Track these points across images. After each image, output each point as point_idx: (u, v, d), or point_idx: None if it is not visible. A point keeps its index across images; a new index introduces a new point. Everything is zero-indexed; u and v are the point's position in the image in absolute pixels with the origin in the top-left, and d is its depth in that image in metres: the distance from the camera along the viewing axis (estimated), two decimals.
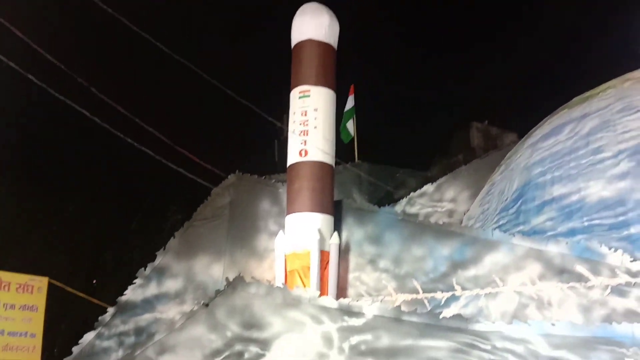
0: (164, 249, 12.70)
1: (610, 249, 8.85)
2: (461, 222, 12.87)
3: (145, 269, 12.54)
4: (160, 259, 12.62)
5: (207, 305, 8.70)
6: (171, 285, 12.33)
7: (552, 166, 11.04)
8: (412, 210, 13.87)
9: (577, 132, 11.24)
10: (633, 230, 9.30)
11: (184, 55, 11.37)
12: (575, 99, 12.61)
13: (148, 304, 12.25)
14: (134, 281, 12.48)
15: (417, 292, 9.78)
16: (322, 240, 10.48)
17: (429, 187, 14.25)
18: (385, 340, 8.45)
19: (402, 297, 10.07)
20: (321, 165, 10.90)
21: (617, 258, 8.69)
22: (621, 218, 9.53)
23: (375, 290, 10.50)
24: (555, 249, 9.10)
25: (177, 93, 22.92)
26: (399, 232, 10.60)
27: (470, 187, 14.09)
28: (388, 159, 18.30)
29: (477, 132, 24.56)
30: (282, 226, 11.31)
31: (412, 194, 14.20)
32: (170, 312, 11.87)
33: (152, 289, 12.37)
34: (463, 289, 9.41)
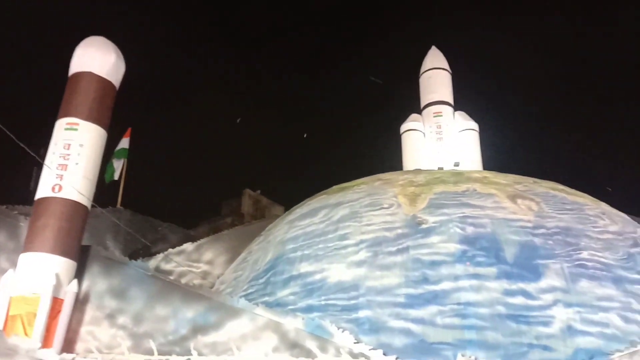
0: None
1: (339, 329, 9.58)
2: (213, 285, 12.91)
3: None
4: None
5: None
6: None
7: (303, 244, 11.81)
8: (167, 267, 13.54)
9: (330, 217, 12.27)
10: (361, 314, 10.27)
11: None
12: (334, 187, 13.84)
13: None
14: None
15: (152, 354, 9.40)
16: (57, 286, 9.59)
17: (188, 246, 14.12)
18: None
19: (135, 358, 9.59)
20: (74, 204, 10.12)
21: (343, 338, 9.43)
22: (353, 301, 10.47)
23: (107, 347, 9.83)
24: (292, 323, 9.55)
25: None
26: (146, 289, 10.20)
27: (230, 251, 14.31)
28: (153, 210, 17.81)
29: (249, 199, 25.37)
30: (15, 264, 10.12)
31: (170, 250, 13.90)
32: None
33: None
34: (199, 354, 9.30)
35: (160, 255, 13.72)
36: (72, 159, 10.44)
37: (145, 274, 10.15)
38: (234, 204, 24.64)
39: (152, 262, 13.31)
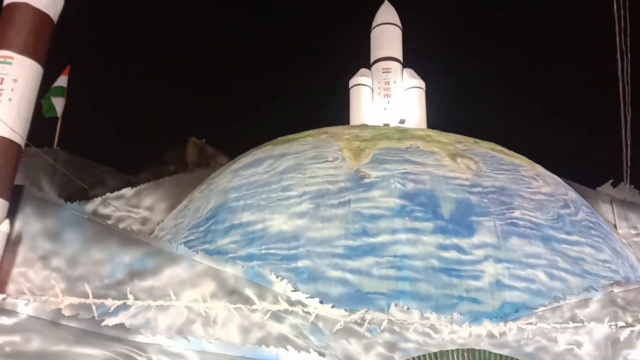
0: None
1: (278, 277, 9.71)
2: (152, 232, 12.76)
3: None
4: None
5: None
6: None
7: (246, 194, 11.79)
8: (105, 211, 13.24)
9: (274, 168, 12.26)
10: (300, 263, 10.43)
11: None
12: (279, 139, 13.79)
13: None
14: None
15: (87, 297, 9.26)
16: None
17: (127, 191, 13.82)
18: (35, 343, 7.79)
19: (69, 300, 9.43)
20: (6, 142, 9.63)
21: (282, 287, 9.57)
22: (293, 251, 10.61)
23: (40, 289, 9.60)
24: (231, 271, 9.60)
25: None
26: (81, 232, 9.94)
27: (171, 199, 14.12)
28: (92, 153, 17.25)
29: (193, 147, 24.90)
30: None
31: (108, 194, 13.57)
32: None
33: None
34: (136, 298, 9.24)
35: (98, 199, 13.38)
36: (5, 94, 9.89)
37: (81, 216, 9.87)
38: (178, 152, 24.15)
39: (89, 206, 13.00)
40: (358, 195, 11.28)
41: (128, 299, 9.23)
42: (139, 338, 8.07)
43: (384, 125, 15.72)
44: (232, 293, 9.46)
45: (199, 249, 10.27)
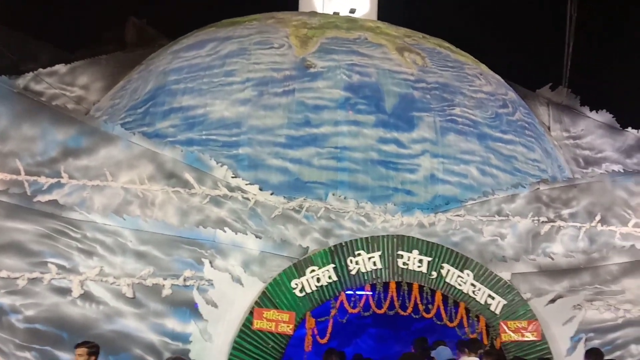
0: None
1: (218, 163, 9.69)
2: (88, 112, 12.30)
3: None
4: None
5: None
6: None
7: (187, 77, 11.39)
8: (37, 87, 12.53)
9: (217, 51, 11.81)
10: (241, 150, 10.39)
11: None
12: (224, 21, 13.18)
13: None
14: None
15: (19, 173, 9.01)
16: None
17: (61, 67, 13.07)
18: None
19: None
20: None
21: (221, 172, 9.59)
22: (234, 138, 10.52)
23: None
24: (170, 154, 9.48)
25: None
26: (11, 106, 9.44)
27: (107, 78, 13.50)
28: (24, 26, 16.06)
29: (133, 28, 23.58)
30: None
31: (40, 69, 12.82)
32: None
33: None
34: (70, 177, 9.06)
35: (30, 74, 12.64)
36: None
37: (10, 90, 9.36)
38: (117, 32, 22.84)
39: (20, 81, 12.27)
40: (303, 85, 11.12)
41: (62, 177, 9.05)
42: (74, 215, 8.01)
43: (334, 13, 15.23)
44: (171, 176, 9.41)
45: (136, 131, 10.03)
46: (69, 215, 7.98)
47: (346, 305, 8.53)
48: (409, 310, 8.61)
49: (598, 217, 10.37)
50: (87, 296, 8.02)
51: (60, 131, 9.20)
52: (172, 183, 9.40)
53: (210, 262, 8.27)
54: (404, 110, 11.07)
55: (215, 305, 8.13)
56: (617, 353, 8.46)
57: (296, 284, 8.31)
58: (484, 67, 13.28)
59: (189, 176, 9.46)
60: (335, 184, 10.16)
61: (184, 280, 8.19)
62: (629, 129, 13.14)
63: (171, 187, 9.34)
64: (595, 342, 8.47)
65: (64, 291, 8.01)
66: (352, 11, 15.75)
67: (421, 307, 8.59)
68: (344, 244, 8.66)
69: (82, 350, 6.60)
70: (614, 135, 13.06)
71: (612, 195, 10.63)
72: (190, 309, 8.14)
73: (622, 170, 11.39)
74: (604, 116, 13.28)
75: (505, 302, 8.47)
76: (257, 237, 8.77)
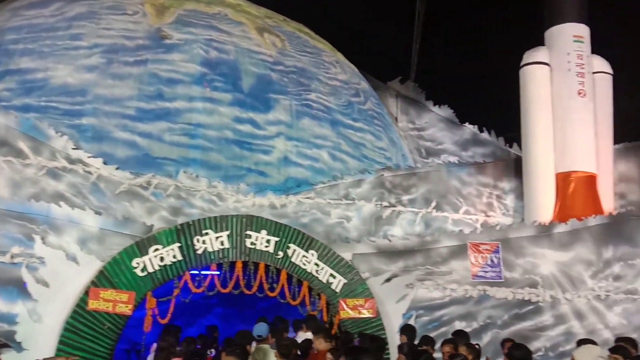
0: None
1: (57, 133, 9.01)
2: None
3: None
4: None
5: None
6: None
7: (27, 37, 10.44)
8: None
9: (63, 12, 10.93)
10: (85, 121, 9.76)
11: None
12: None
13: None
14: None
15: None
16: None
17: None
18: None
19: None
20: None
21: (61, 143, 8.93)
22: (77, 107, 9.85)
23: None
24: (2, 120, 8.65)
25: None
26: None
27: None
28: None
29: None
30: None
31: None
32: None
33: None
34: None
35: None
36: None
37: None
38: None
39: None
40: (157, 56, 10.68)
41: None
42: None
43: None
44: (3, 144, 8.60)
45: None
46: None
47: (190, 285, 8.39)
48: (254, 289, 8.68)
49: (434, 204, 11.22)
50: None
51: None
52: (3, 152, 8.59)
53: (42, 239, 7.68)
54: (261, 91, 11.08)
55: (46, 285, 7.58)
56: (443, 329, 9.20)
57: (137, 263, 8.00)
58: (340, 56, 13.67)
59: (23, 145, 8.70)
60: (187, 161, 9.93)
61: (12, 257, 7.54)
62: (467, 124, 14.29)
63: (2, 156, 8.53)
64: (425, 319, 9.14)
65: None
66: None
67: (266, 286, 8.70)
68: (191, 223, 8.49)
69: None
70: (453, 129, 14.12)
71: (447, 184, 11.56)
72: (18, 288, 7.51)
73: (457, 162, 12.41)
74: (445, 111, 14.29)
75: (345, 280, 8.85)
76: (96, 213, 8.30)
